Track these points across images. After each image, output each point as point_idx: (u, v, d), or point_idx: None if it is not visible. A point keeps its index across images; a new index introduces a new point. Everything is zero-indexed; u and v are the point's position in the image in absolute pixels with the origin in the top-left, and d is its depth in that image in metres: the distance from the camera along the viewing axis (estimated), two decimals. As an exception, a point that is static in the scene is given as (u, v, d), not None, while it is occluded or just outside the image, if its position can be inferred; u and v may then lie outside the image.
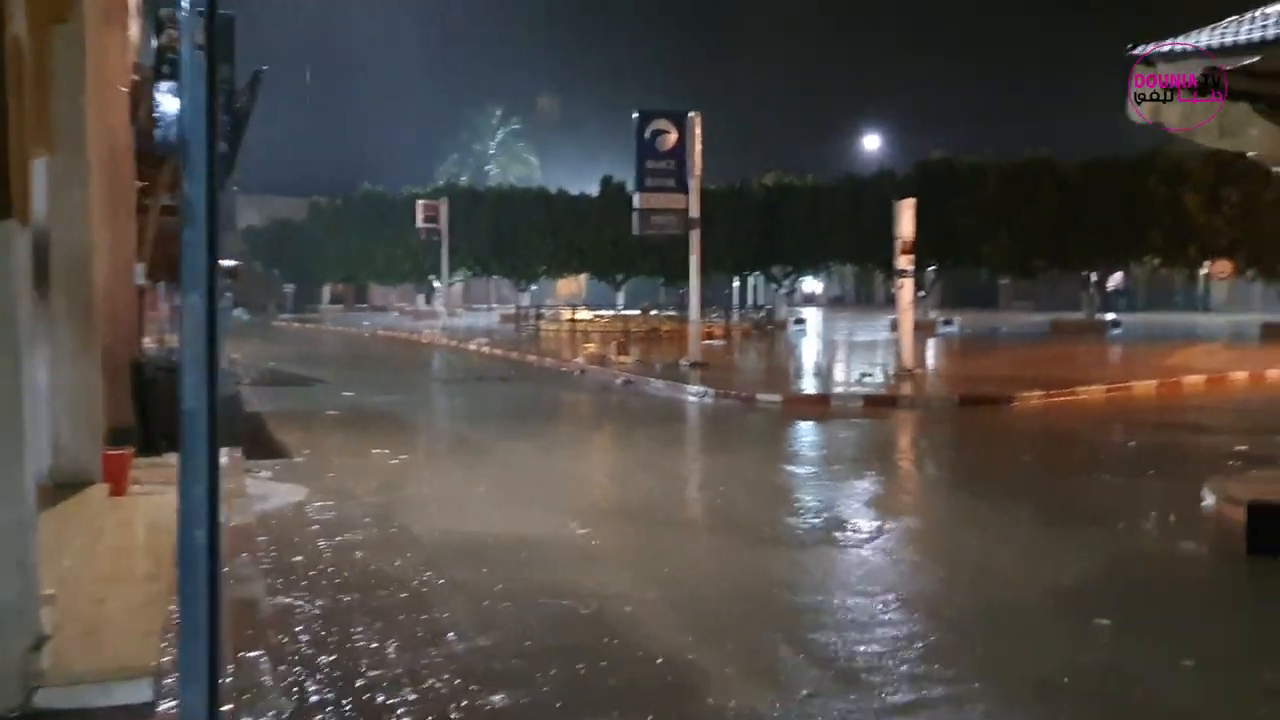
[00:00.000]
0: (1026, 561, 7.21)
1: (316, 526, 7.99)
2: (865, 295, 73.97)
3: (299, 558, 7.01)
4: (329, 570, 6.71)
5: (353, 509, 8.67)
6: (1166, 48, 6.89)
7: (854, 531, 8.08)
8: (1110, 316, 40.66)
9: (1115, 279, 45.17)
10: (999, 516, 8.68)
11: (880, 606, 6.09)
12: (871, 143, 64.17)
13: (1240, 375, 20.69)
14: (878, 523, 8.38)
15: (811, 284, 69.62)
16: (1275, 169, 8.63)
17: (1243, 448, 11.94)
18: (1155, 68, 7.21)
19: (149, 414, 10.40)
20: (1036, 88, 72.10)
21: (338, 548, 7.33)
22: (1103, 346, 30.21)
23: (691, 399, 18.10)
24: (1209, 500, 8.74)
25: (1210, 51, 6.47)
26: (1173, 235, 34.63)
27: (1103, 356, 26.64)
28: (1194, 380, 19.72)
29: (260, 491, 9.23)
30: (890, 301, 69.08)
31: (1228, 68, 6.61)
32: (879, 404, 16.72)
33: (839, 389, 18.17)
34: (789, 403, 17.08)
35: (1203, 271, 37.77)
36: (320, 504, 8.84)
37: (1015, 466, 11.46)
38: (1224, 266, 31.74)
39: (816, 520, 8.50)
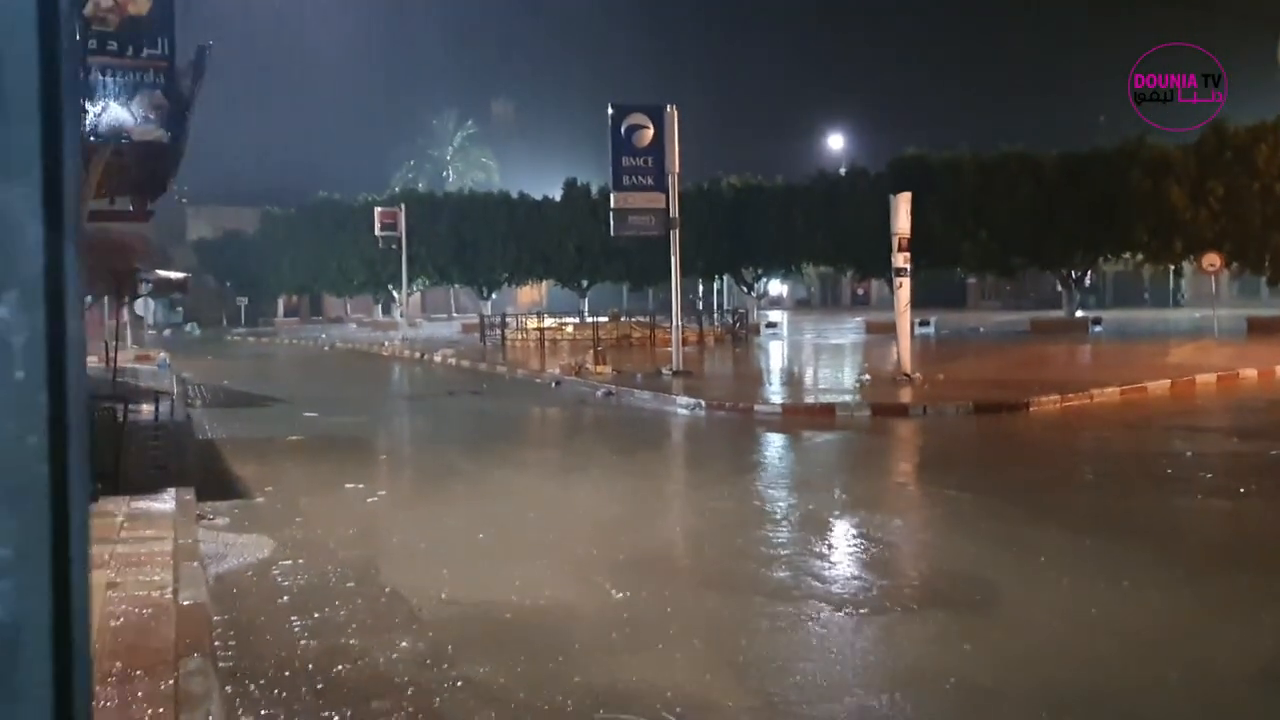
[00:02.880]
0: (1188, 637, 5.78)
1: (286, 598, 6.47)
2: (832, 297, 73.36)
3: (267, 651, 5.51)
4: (307, 669, 5.20)
5: (329, 568, 7.15)
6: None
7: (958, 590, 6.72)
8: (1091, 314, 39.94)
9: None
10: (1117, 565, 7.08)
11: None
12: (837, 142, 63.38)
13: (1250, 373, 19.90)
14: (980, 574, 7.04)
15: (778, 286, 68.67)
16: None
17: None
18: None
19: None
20: (1010, 80, 71.81)
21: (316, 631, 5.81)
22: (1091, 345, 29.39)
23: (683, 411, 16.78)
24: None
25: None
26: (1158, 230, 33.81)
27: (1097, 356, 25.77)
28: (1206, 379, 18.90)
29: (216, 548, 7.70)
30: (857, 303, 69.40)
31: None
32: (888, 413, 15.52)
33: (842, 397, 16.92)
34: (789, 413, 15.85)
35: (1189, 266, 37.01)
36: (289, 563, 7.32)
37: (1084, 489, 10.10)
38: (1214, 260, 30.93)
39: (902, 574, 7.17)
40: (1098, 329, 36.07)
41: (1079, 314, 38.64)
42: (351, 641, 5.62)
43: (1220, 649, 5.42)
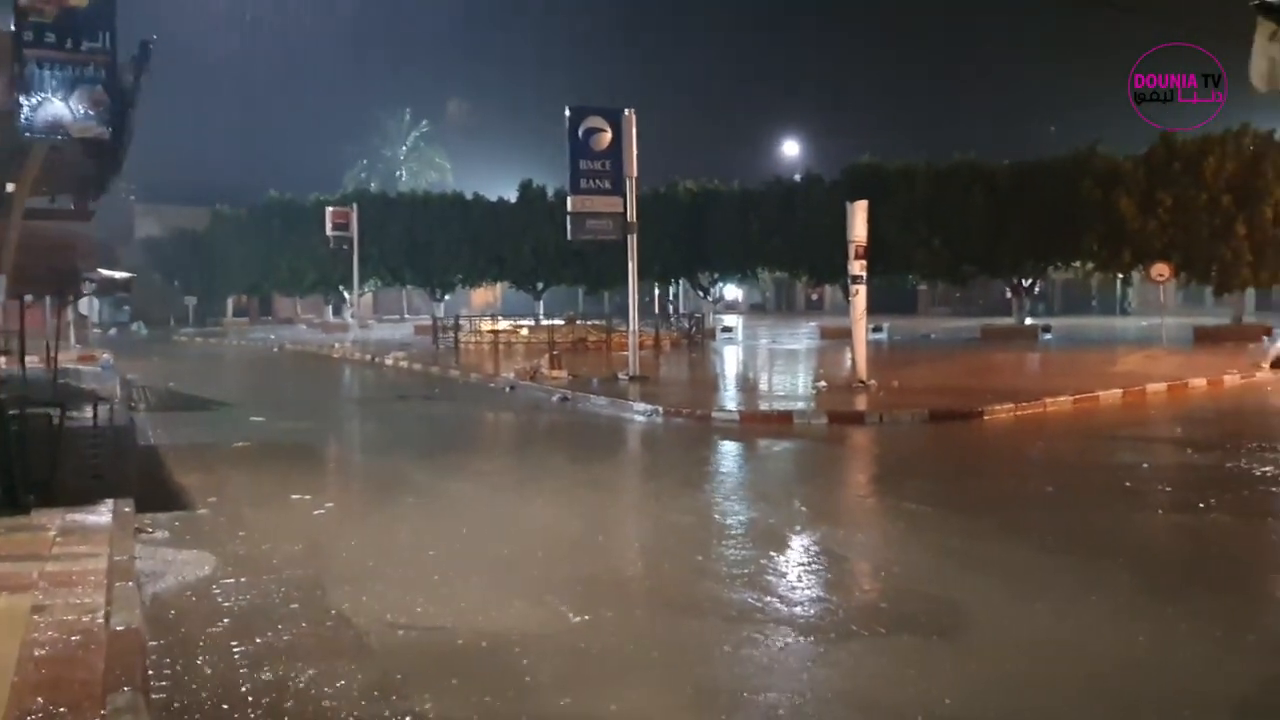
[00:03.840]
0: (1160, 663, 5.59)
1: (227, 621, 6.16)
2: (786, 302, 73.62)
3: (204, 682, 5.21)
4: (246, 702, 4.92)
5: (274, 589, 6.83)
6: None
7: (926, 613, 6.57)
8: (1040, 322, 40.34)
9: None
10: (1085, 585, 6.96)
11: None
12: (793, 148, 63.53)
13: (1199, 382, 20.11)
14: (946, 595, 6.90)
15: (732, 291, 68.75)
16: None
17: (1267, 470, 10.91)
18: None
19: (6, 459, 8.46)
20: (964, 89, 72.50)
21: (257, 658, 5.51)
22: (1041, 353, 29.58)
23: (639, 418, 16.59)
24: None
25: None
26: (1107, 239, 34.17)
27: (1048, 364, 25.91)
28: (1157, 388, 19.05)
29: (154, 565, 7.35)
30: (811, 308, 69.62)
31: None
32: (845, 421, 15.45)
33: (799, 404, 16.80)
34: (747, 421, 15.72)
35: (1137, 275, 37.47)
36: (231, 582, 7.00)
37: (1045, 503, 9.95)
38: (1163, 270, 31.29)
39: (867, 595, 7.02)
40: (1047, 336, 36.43)
41: (1028, 321, 38.98)
42: (295, 671, 5.33)
43: (1195, 675, 5.30)
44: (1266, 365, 22.63)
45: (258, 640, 5.81)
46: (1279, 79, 6.23)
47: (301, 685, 5.15)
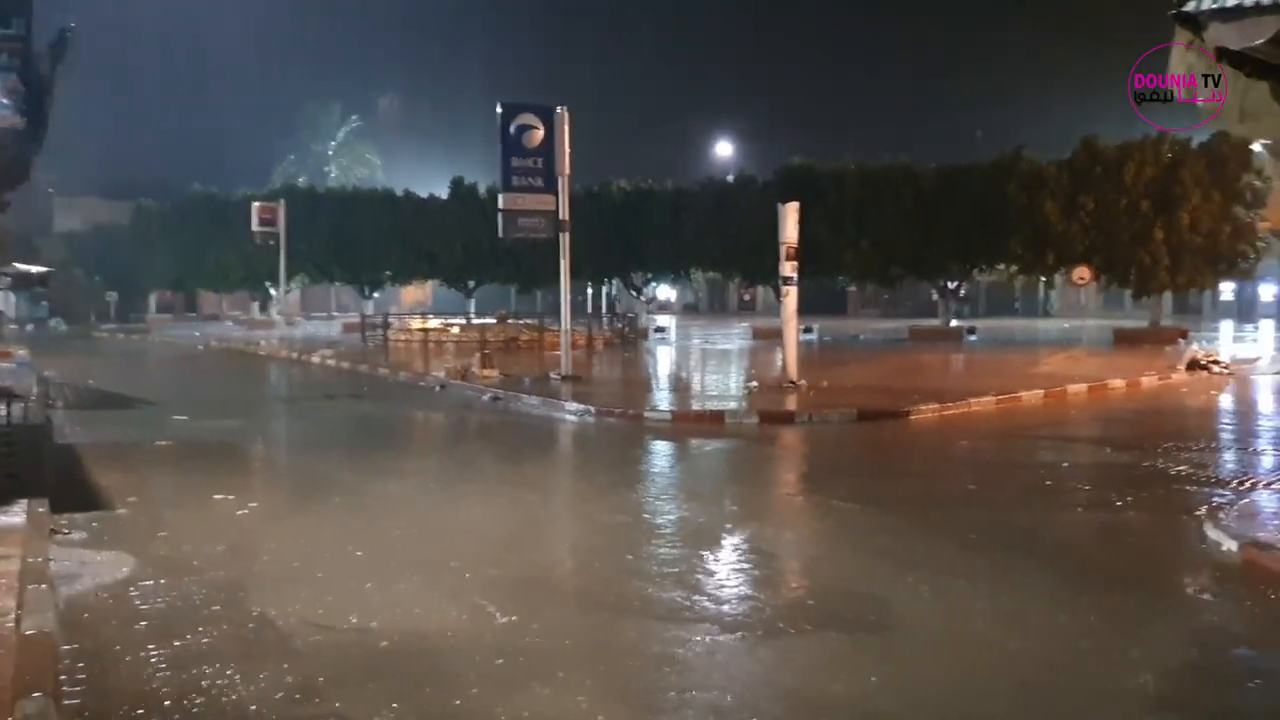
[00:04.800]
0: (1078, 659, 5.73)
1: (146, 624, 6.01)
2: (719, 303, 73.99)
3: (119, 686, 5.08)
4: (164, 707, 4.79)
5: (195, 590, 6.69)
6: (1229, 1, 5.69)
7: (852, 610, 6.64)
8: (966, 323, 41.04)
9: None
10: (1007, 582, 7.11)
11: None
12: (726, 149, 63.85)
13: (1118, 383, 20.62)
14: (873, 592, 6.98)
15: (665, 291, 68.91)
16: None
17: (1182, 469, 11.21)
18: (1204, 30, 6.06)
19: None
20: (893, 93, 73.49)
21: (176, 662, 5.39)
22: (967, 354, 30.10)
23: (571, 418, 16.55)
24: (1228, 545, 7.65)
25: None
26: (1031, 243, 34.88)
27: (973, 364, 26.35)
28: (1077, 389, 19.50)
29: (69, 567, 7.15)
30: (743, 309, 70.02)
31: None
32: (776, 420, 15.58)
33: (731, 404, 16.90)
34: (679, 420, 15.76)
35: (1060, 278, 38.31)
36: (151, 584, 6.83)
37: (969, 501, 10.13)
38: (1084, 273, 32.02)
39: (795, 593, 7.08)
40: (972, 338, 37.08)
41: (954, 323, 39.62)
42: (214, 674, 5.23)
43: (1108, 668, 5.42)
44: (1182, 367, 23.25)
45: (176, 643, 5.69)
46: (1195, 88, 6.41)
47: (221, 688, 5.05)
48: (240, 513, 9.35)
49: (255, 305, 54.32)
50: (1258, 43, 6.01)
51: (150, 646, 5.62)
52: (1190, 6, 6.05)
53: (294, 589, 6.77)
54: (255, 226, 37.41)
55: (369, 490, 10.52)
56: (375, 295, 47.93)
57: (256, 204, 38.41)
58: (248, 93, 75.29)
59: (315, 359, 29.09)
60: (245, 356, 32.62)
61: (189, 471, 11.52)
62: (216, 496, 9.93)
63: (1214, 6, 5.85)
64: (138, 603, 6.45)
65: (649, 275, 46.62)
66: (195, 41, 72.33)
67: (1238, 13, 5.71)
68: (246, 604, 6.46)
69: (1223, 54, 6.45)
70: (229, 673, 5.25)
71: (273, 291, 45.44)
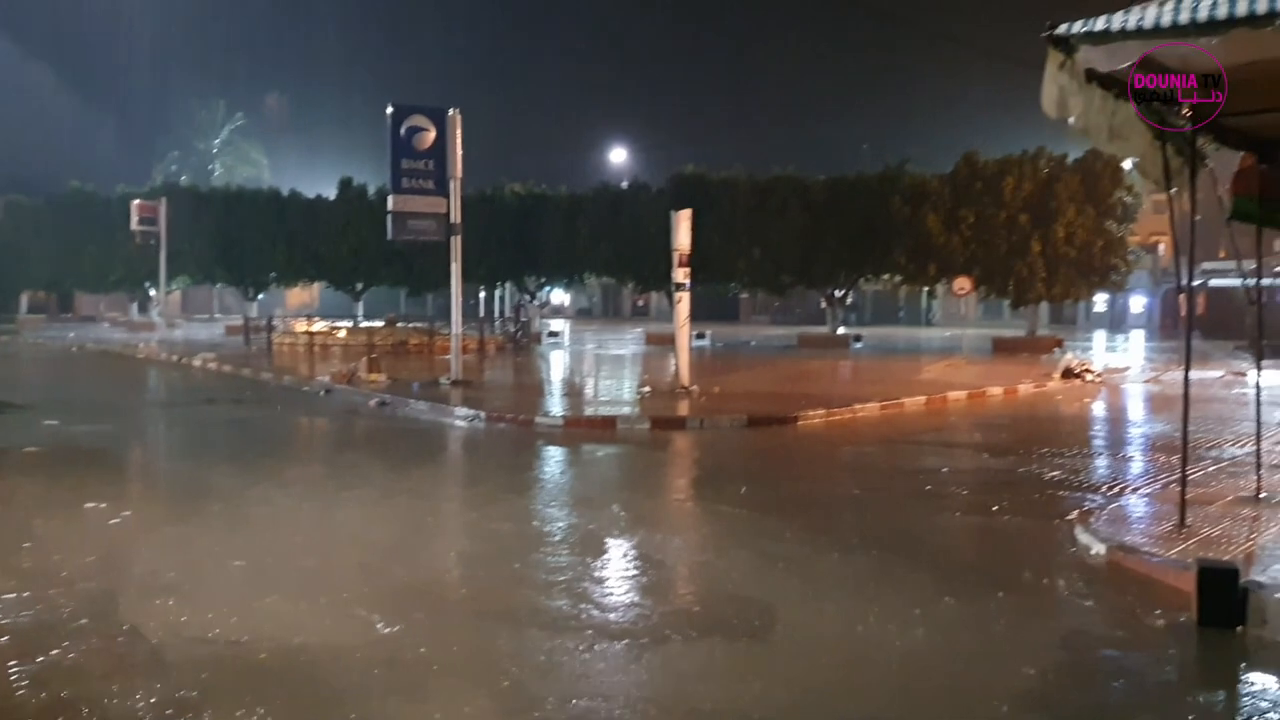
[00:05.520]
0: (955, 660, 5.91)
1: (7, 639, 5.73)
2: (613, 308, 74.21)
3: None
4: (26, 724, 4.64)
5: (62, 603, 6.41)
6: (1098, 26, 5.92)
7: (737, 615, 6.70)
8: (852, 331, 41.93)
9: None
10: (887, 585, 7.26)
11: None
12: (620, 155, 64.10)
13: (996, 391, 21.28)
14: (758, 596, 7.06)
15: (559, 296, 68.84)
16: (1152, 185, 7.98)
17: (1055, 474, 11.62)
18: (1075, 53, 6.29)
19: None
20: (783, 105, 74.62)
21: (39, 678, 5.15)
22: (853, 361, 30.76)
23: (460, 423, 16.40)
24: (1097, 548, 7.95)
25: (1152, 32, 5.52)
26: (915, 254, 35.81)
27: (859, 371, 26.93)
28: (957, 396, 20.08)
29: (-75, 580, 6.84)
30: (637, 314, 70.27)
31: (1164, 52, 5.79)
32: (667, 426, 15.69)
33: (623, 410, 16.95)
34: (571, 426, 15.76)
35: (942, 288, 39.42)
36: (14, 597, 6.52)
37: (852, 505, 10.36)
38: (964, 283, 33.02)
39: (681, 599, 7.12)
40: (859, 345, 37.92)
41: (841, 330, 40.45)
42: (81, 690, 5.02)
43: (989, 673, 5.58)
44: (1057, 375, 24.12)
45: (40, 659, 5.45)
46: (1068, 106, 6.66)
47: (87, 705, 4.86)
48: (113, 522, 9.03)
49: (134, 307, 52.61)
50: (1124, 65, 6.28)
51: (12, 663, 5.37)
52: (1062, 29, 6.28)
53: (168, 600, 6.55)
54: (135, 225, 36.24)
55: (249, 498, 10.25)
56: (260, 297, 46.81)
57: (136, 202, 37.23)
58: (127, 88, 72.88)
59: (196, 362, 28.28)
60: (123, 359, 31.53)
61: (59, 479, 11.06)
62: (88, 505, 9.56)
63: (1084, 30, 6.09)
64: (0, 617, 6.17)
65: (542, 279, 46.50)
66: (72, 33, 69.71)
67: (1106, 37, 5.95)
68: (117, 617, 6.24)
69: (1092, 75, 6.72)
70: (96, 688, 5.05)
71: (153, 293, 44.08)
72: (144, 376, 26.26)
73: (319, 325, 36.97)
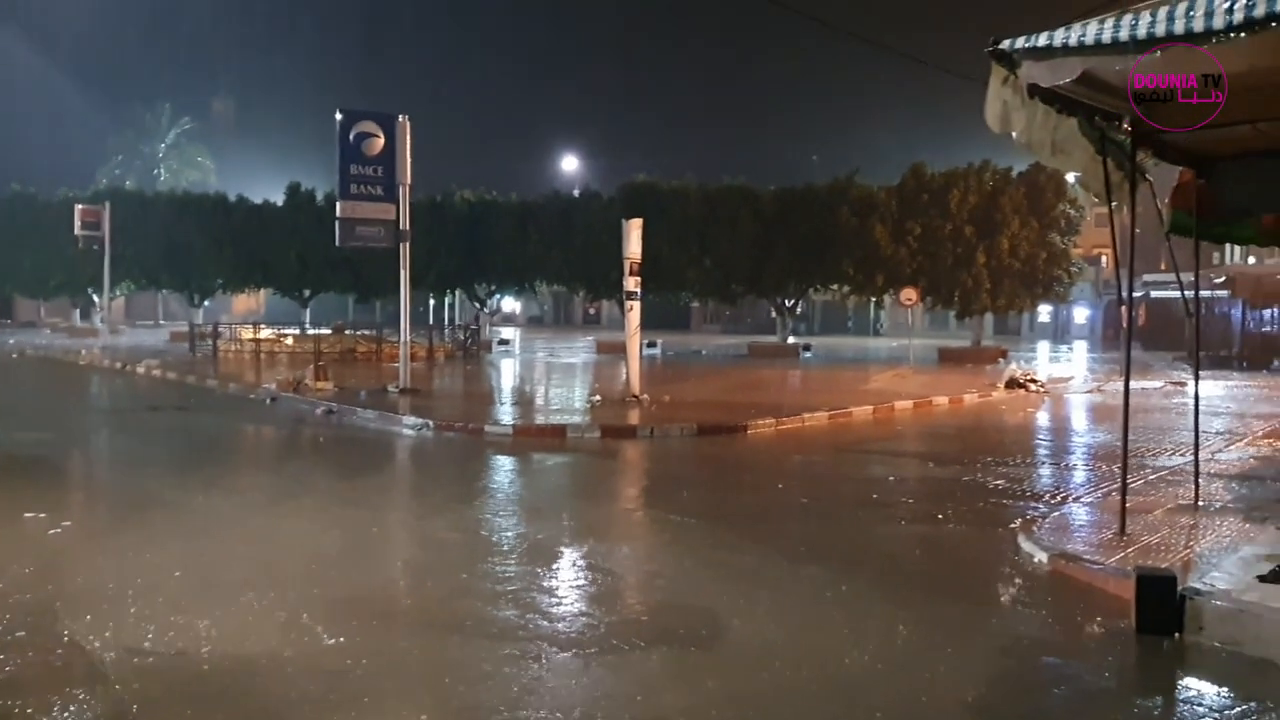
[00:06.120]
0: (900, 668, 5.99)
1: (-59, 652, 5.66)
2: (564, 316, 74.13)
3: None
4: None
5: (-3, 615, 6.34)
6: (1040, 42, 6.02)
7: (684, 625, 6.72)
8: (802, 340, 42.28)
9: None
10: (835, 595, 7.32)
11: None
12: (571, 163, 64.13)
13: (941, 400, 21.56)
14: (706, 605, 7.08)
15: (510, 303, 68.65)
16: (1094, 198, 8.13)
17: (999, 483, 11.78)
18: (1018, 68, 6.40)
19: None
20: (734, 116, 75.08)
21: (-26, 691, 5.09)
22: (802, 370, 30.98)
23: (409, 432, 16.29)
24: (1039, 556, 8.07)
25: (1092, 48, 5.63)
26: (862, 264, 36.17)
27: (808, 380, 27.13)
28: (904, 405, 20.31)
29: None
30: (588, 322, 70.27)
31: (1104, 68, 5.91)
32: (618, 435, 15.70)
33: (573, 418, 16.92)
34: (520, 434, 15.72)
35: (889, 299, 39.85)
36: (-53, 609, 6.43)
37: (800, 514, 10.43)
38: (911, 294, 33.43)
39: (629, 608, 7.13)
40: (808, 354, 38.25)
41: (791, 340, 40.77)
42: (17, 704, 4.91)
43: (934, 681, 5.63)
44: (1002, 385, 24.47)
45: (-25, 673, 5.34)
46: (1011, 121, 6.78)
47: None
48: (52, 532, 8.85)
49: (77, 312, 51.67)
50: (1065, 81, 6.40)
51: (-55, 677, 5.27)
52: (1005, 45, 6.39)
53: (108, 612, 6.44)
54: (78, 230, 35.49)
55: (192, 508, 10.11)
56: (205, 304, 46.17)
57: (79, 206, 36.48)
58: (70, 90, 71.64)
59: (140, 369, 27.86)
60: (64, 366, 30.97)
61: (-5, 488, 10.83)
62: (27, 515, 9.37)
63: (1026, 46, 6.20)
64: (-68, 630, 6.03)
65: (493, 287, 46.33)
66: (12, 34, 68.41)
67: (1048, 53, 6.06)
68: (55, 629, 6.12)
69: (1034, 90, 6.84)
70: (32, 703, 4.95)
71: (96, 298, 43.28)
72: (86, 384, 25.80)
73: (266, 332, 36.57)
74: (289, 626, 6.25)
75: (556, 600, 7.03)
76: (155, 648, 5.83)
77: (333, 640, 6.00)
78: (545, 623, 6.47)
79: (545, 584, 7.45)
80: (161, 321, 62.04)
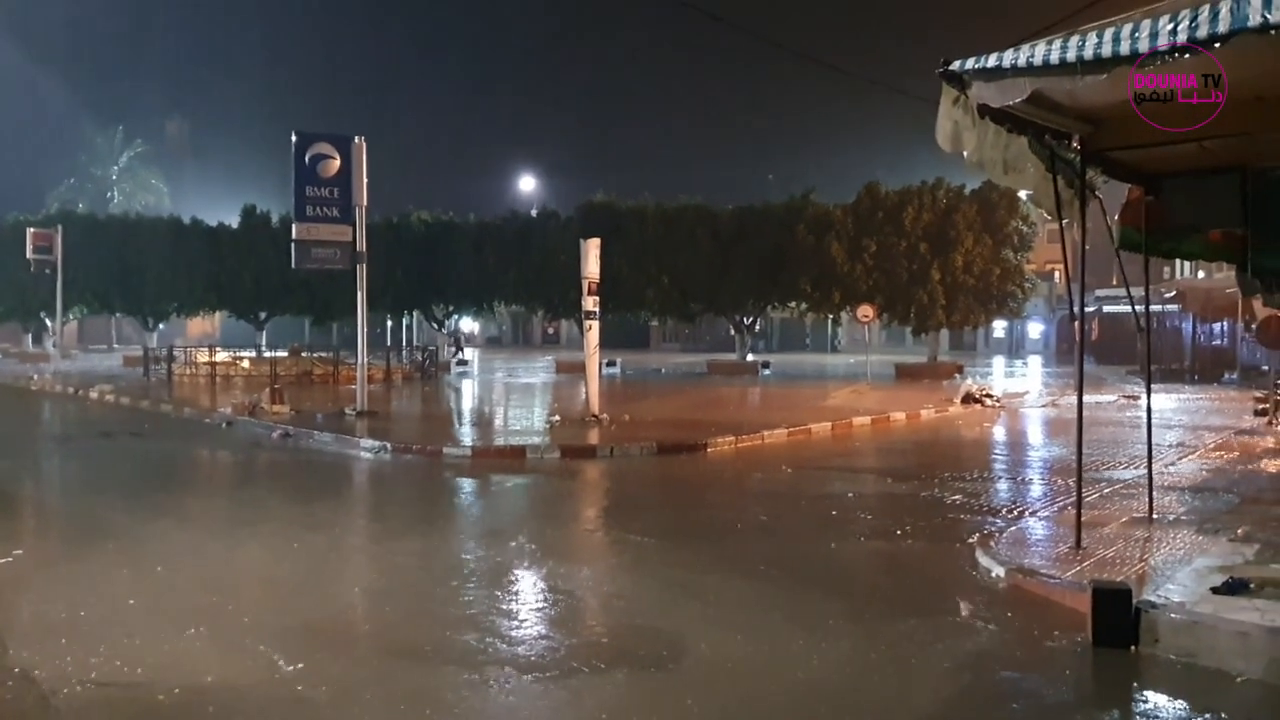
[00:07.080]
0: (860, 684, 6.05)
1: (-115, 688, 5.53)
2: (523, 336, 73.94)
3: None
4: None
5: (-56, 649, 6.20)
6: (990, 62, 6.12)
7: (645, 646, 6.71)
8: (760, 358, 42.46)
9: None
10: (794, 613, 7.39)
11: None
12: (529, 184, 64.14)
13: (899, 416, 21.70)
14: (666, 626, 7.07)
15: (468, 324, 68.45)
16: (1046, 215, 8.26)
17: (957, 498, 11.89)
18: (968, 89, 6.49)
19: None
20: (690, 135, 75.50)
21: (-80, 729, 4.98)
22: (761, 387, 31.10)
23: (366, 455, 16.16)
24: (997, 571, 8.14)
25: (1041, 69, 5.72)
26: (819, 282, 36.40)
27: (767, 398, 27.23)
28: (862, 421, 20.43)
29: None
30: (547, 342, 70.14)
31: (1052, 88, 6.01)
32: (578, 455, 15.68)
33: (533, 439, 16.87)
34: (480, 456, 15.64)
35: (846, 315, 40.09)
36: (-108, 643, 6.29)
37: (760, 533, 10.43)
38: (867, 311, 33.68)
39: (590, 630, 7.10)
40: (766, 372, 38.40)
41: (750, 357, 40.92)
42: (-35, 741, 4.84)
43: (894, 697, 5.67)
44: (958, 400, 24.69)
45: (-79, 709, 5.23)
46: (962, 141, 6.88)
47: (-28, 758, 4.67)
48: (3, 561, 8.68)
49: (29, 337, 50.85)
50: (1015, 101, 6.50)
51: (-111, 714, 5.15)
52: (955, 66, 6.49)
53: (60, 642, 6.32)
54: (30, 254, 34.97)
55: (146, 535, 9.96)
56: (160, 327, 45.57)
57: (31, 230, 35.97)
58: (19, 109, 70.61)
59: (93, 394, 27.43)
60: (15, 392, 30.45)
61: (-58, 518, 10.62)
62: (-26, 545, 9.19)
63: (976, 67, 6.30)
64: (-124, 666, 5.89)
65: (450, 307, 46.14)
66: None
67: (998, 73, 6.16)
68: (5, 661, 6.00)
69: (985, 110, 6.94)
70: (-19, 739, 4.86)
71: (49, 322, 42.58)
72: (38, 409, 25.39)
73: (221, 355, 36.16)
74: (246, 655, 6.17)
75: (517, 624, 7.00)
76: (108, 678, 5.73)
77: (290, 668, 5.93)
78: (505, 646, 6.44)
79: (505, 607, 7.41)
80: (115, 345, 61.14)
